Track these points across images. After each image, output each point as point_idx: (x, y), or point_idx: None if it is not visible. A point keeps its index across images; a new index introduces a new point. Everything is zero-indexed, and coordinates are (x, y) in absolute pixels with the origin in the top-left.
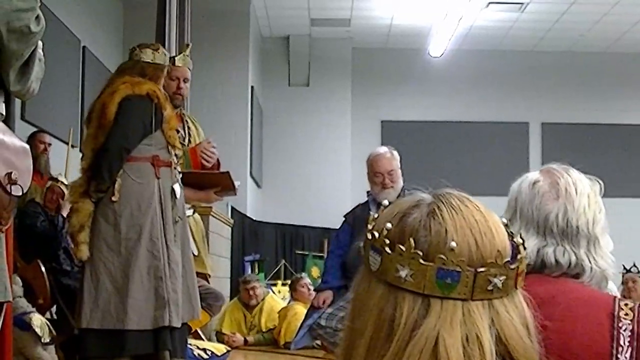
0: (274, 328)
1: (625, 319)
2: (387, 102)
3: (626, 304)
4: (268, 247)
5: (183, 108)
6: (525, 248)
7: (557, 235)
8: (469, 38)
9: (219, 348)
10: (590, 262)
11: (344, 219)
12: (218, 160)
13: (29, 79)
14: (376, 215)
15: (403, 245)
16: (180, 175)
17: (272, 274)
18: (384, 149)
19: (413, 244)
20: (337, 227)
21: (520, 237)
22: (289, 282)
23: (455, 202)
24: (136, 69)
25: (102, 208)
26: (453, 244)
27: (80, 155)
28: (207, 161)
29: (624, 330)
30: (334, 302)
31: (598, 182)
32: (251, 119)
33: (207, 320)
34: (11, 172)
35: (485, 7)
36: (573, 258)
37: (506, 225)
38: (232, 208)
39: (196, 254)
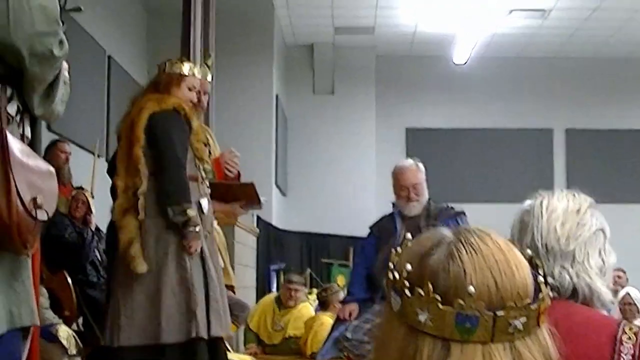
0: (298, 337)
1: (627, 342)
2: (412, 109)
3: (630, 328)
4: (293, 256)
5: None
6: (547, 284)
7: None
8: (493, 45)
9: (244, 359)
10: (571, 279)
11: (369, 230)
12: (238, 171)
13: (53, 102)
14: (399, 250)
15: (422, 289)
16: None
17: None
18: (409, 162)
19: (432, 288)
20: (362, 236)
21: (544, 273)
22: (314, 290)
23: (476, 241)
24: (161, 84)
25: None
26: (471, 288)
27: (106, 168)
28: (230, 171)
29: (625, 354)
30: (360, 314)
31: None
32: (276, 128)
33: (233, 330)
34: (36, 197)
35: (509, 14)
36: (549, 279)
37: (530, 260)
38: (258, 217)
39: (222, 265)
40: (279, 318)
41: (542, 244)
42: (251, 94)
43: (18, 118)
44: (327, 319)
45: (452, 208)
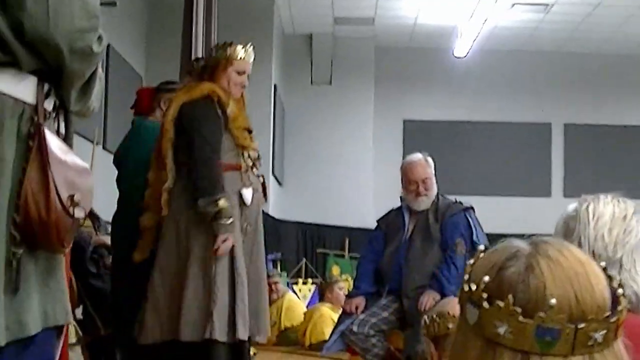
0: (293, 327)
1: None
2: (410, 101)
3: None
4: (289, 246)
5: None
6: (625, 296)
7: None
8: (493, 38)
9: None
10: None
11: (376, 224)
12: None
13: (89, 99)
14: (472, 262)
15: (502, 301)
16: (261, 178)
17: (293, 273)
18: (418, 157)
19: (512, 300)
20: (359, 227)
21: (620, 285)
22: (309, 280)
23: (553, 253)
24: (207, 70)
25: (165, 219)
26: (553, 300)
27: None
28: None
29: None
30: (366, 308)
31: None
32: (274, 118)
33: None
34: (74, 195)
35: (510, 8)
36: None
37: (604, 270)
38: None
39: None
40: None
41: (589, 251)
42: (250, 83)
43: (54, 114)
44: (327, 310)
45: (460, 203)
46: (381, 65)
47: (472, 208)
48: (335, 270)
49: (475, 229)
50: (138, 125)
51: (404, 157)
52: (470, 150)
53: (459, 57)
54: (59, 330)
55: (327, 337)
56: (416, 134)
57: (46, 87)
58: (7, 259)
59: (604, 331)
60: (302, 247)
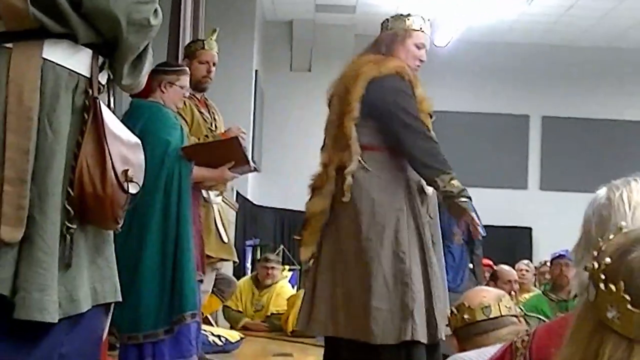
0: (280, 314)
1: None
2: None
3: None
4: (267, 232)
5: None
6: None
7: None
8: (474, 30)
9: (233, 335)
10: None
11: None
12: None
13: (141, 73)
14: (610, 237)
15: (615, 285)
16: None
17: None
18: None
19: (623, 287)
20: None
21: None
22: (287, 267)
23: None
24: (384, 42)
25: (336, 208)
26: None
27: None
28: None
29: None
30: None
31: None
32: (254, 104)
33: (218, 306)
34: (128, 170)
35: None
36: None
37: None
38: (237, 192)
39: (226, 241)
40: (258, 298)
41: None
42: (231, 68)
43: (106, 88)
44: None
45: None
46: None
47: (469, 198)
48: None
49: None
50: (136, 106)
51: None
52: (447, 140)
53: (439, 47)
54: (107, 307)
55: None
56: None
57: (100, 60)
58: (61, 234)
59: None
60: (280, 234)
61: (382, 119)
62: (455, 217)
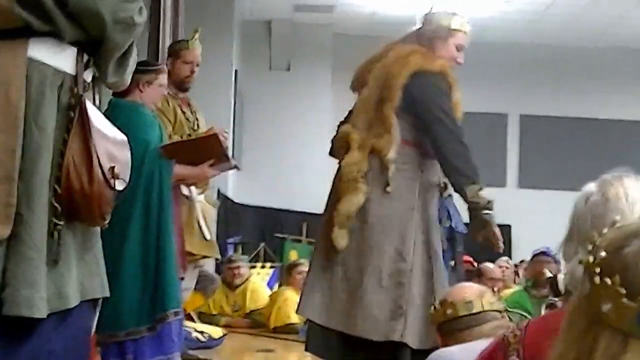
0: (258, 310)
1: None
2: None
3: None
4: (248, 230)
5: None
6: None
7: None
8: None
9: (216, 331)
10: None
11: None
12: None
13: (125, 71)
14: (605, 231)
15: (611, 279)
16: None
17: (251, 257)
18: None
19: (618, 281)
20: (316, 212)
21: None
22: (268, 265)
23: None
24: (425, 36)
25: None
26: None
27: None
28: None
29: None
30: None
31: None
32: (234, 103)
33: (201, 302)
34: (114, 166)
35: None
36: None
37: None
38: (218, 190)
39: (209, 238)
40: (233, 299)
41: None
42: (211, 68)
43: (91, 86)
44: (292, 294)
45: None
46: (339, 52)
47: (450, 195)
48: (293, 255)
49: (454, 216)
50: (114, 105)
51: None
52: None
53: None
54: (95, 303)
55: (292, 321)
56: None
57: (85, 58)
58: (49, 231)
59: None
60: (261, 232)
61: (420, 114)
62: (476, 228)
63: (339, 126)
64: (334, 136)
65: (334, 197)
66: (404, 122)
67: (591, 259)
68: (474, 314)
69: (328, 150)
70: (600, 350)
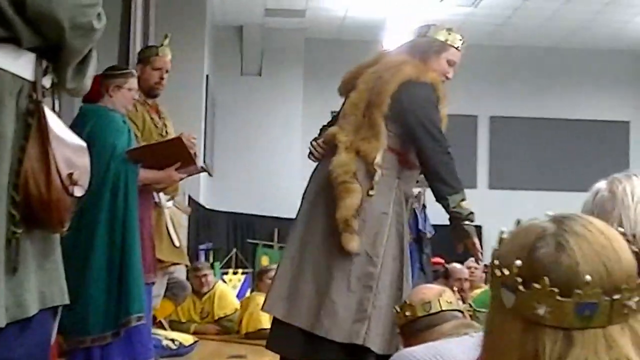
0: (227, 316)
1: None
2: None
3: None
4: (220, 236)
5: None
6: None
7: None
8: None
9: (187, 339)
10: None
11: None
12: (195, 152)
13: (85, 76)
14: (497, 247)
15: (538, 283)
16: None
17: (223, 263)
18: None
19: (548, 282)
20: (288, 217)
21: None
22: (240, 271)
23: (579, 229)
24: (418, 48)
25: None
26: (588, 277)
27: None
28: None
29: None
30: None
31: None
32: (205, 108)
33: (171, 309)
34: (72, 173)
35: (440, 2)
36: None
37: (624, 235)
38: (189, 196)
39: (178, 245)
40: (200, 307)
41: (630, 234)
42: (182, 73)
43: (50, 92)
44: (263, 299)
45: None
46: (311, 57)
47: (416, 196)
48: (265, 260)
49: (420, 218)
50: (84, 111)
51: None
52: None
53: (389, 50)
54: (55, 310)
55: (264, 326)
56: None
57: (44, 64)
58: (7, 239)
59: (637, 297)
60: (233, 237)
61: (407, 123)
62: (457, 239)
63: (321, 130)
64: (317, 138)
65: (324, 198)
66: (388, 130)
67: (506, 271)
68: (433, 314)
69: (299, 154)
70: (547, 352)
